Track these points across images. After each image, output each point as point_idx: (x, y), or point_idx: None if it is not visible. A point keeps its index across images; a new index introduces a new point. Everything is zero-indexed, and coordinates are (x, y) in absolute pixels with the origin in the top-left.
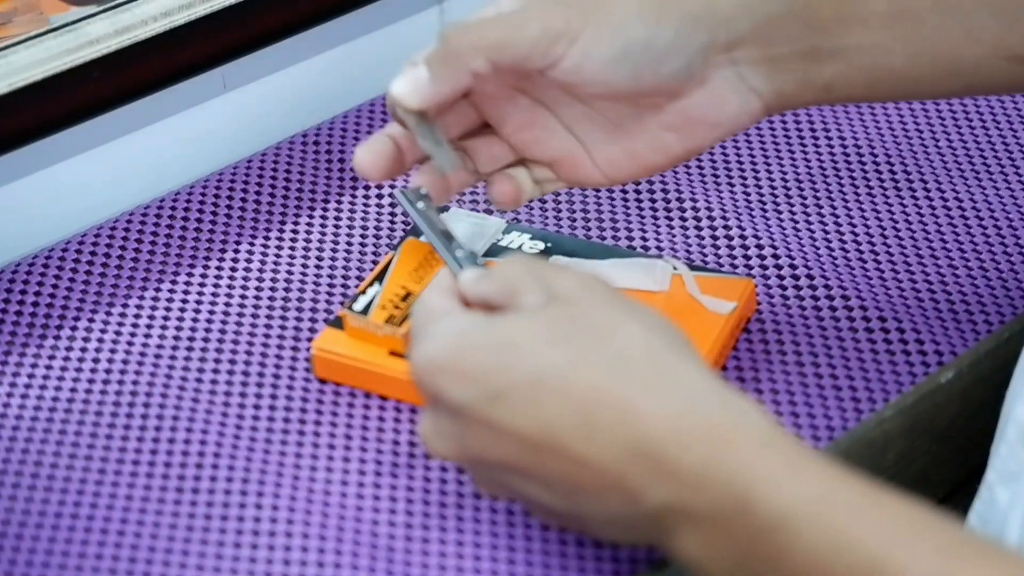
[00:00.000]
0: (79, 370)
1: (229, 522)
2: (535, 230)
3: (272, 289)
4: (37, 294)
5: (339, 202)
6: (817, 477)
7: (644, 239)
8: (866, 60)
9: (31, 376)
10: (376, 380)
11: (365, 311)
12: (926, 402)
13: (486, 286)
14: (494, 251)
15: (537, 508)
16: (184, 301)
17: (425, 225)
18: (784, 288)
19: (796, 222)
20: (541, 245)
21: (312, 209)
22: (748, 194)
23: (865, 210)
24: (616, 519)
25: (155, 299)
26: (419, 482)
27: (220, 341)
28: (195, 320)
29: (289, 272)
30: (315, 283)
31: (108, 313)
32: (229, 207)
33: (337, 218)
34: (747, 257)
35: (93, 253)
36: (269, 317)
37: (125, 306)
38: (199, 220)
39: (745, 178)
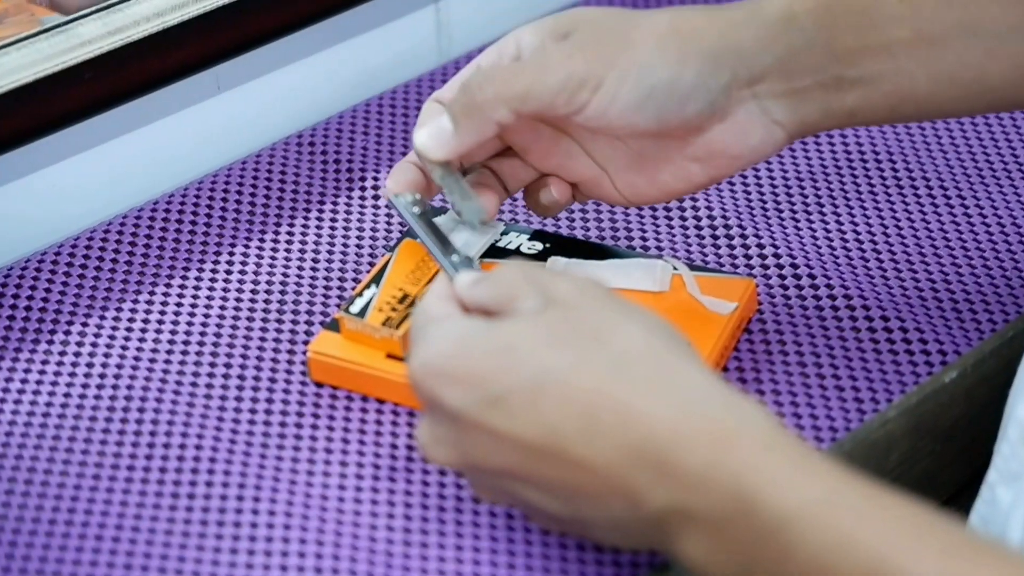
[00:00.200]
0: (73, 375)
1: (225, 528)
2: (534, 230)
3: (268, 292)
4: (30, 298)
5: (335, 203)
6: (821, 478)
7: (644, 239)
8: (889, 86)
9: (24, 381)
10: (373, 383)
11: (362, 313)
12: (930, 402)
13: (482, 292)
14: (493, 252)
15: (538, 514)
16: (179, 304)
17: (420, 230)
18: (785, 288)
19: (797, 221)
20: (540, 245)
21: (307, 211)
22: (749, 193)
23: (867, 208)
24: (619, 523)
25: (149, 302)
26: (417, 486)
27: (215, 345)
28: (190, 324)
29: (285, 274)
30: (311, 285)
31: (102, 317)
32: (224, 209)
33: (333, 219)
34: (748, 257)
35: (87, 256)
36: (265, 320)
37: (119, 310)
38: (193, 222)
39: (745, 177)
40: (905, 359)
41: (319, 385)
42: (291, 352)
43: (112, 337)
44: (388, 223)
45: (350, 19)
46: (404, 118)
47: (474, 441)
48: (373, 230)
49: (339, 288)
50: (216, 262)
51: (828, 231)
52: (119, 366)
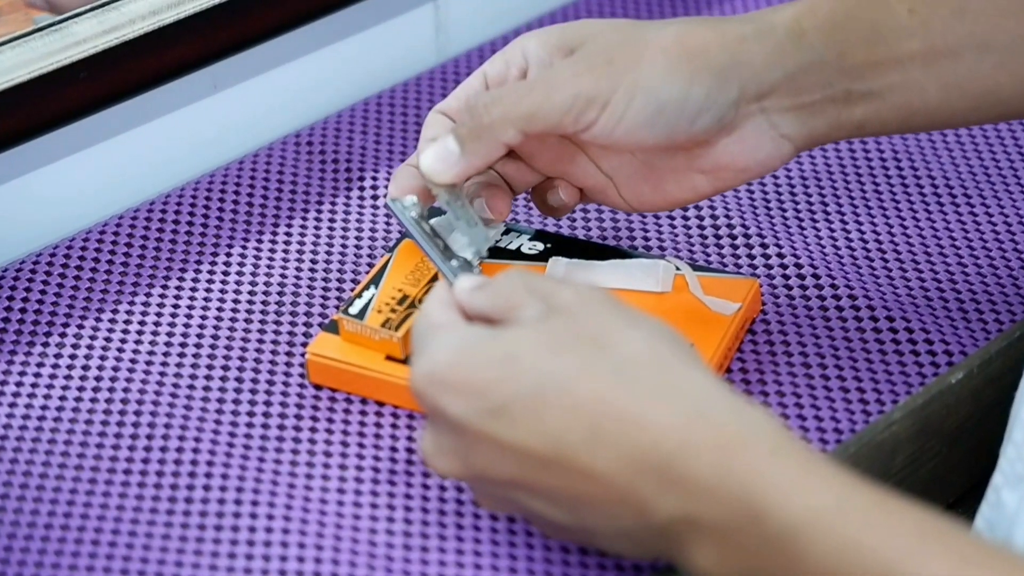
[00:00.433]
0: (69, 377)
1: (223, 532)
2: (535, 230)
3: (265, 293)
4: (25, 300)
5: (333, 203)
6: (828, 485)
7: (646, 239)
8: (899, 99)
9: (19, 384)
10: (372, 385)
11: (361, 315)
12: (936, 404)
13: (483, 301)
14: (495, 252)
15: (543, 523)
16: (175, 306)
17: (418, 234)
18: (790, 288)
19: (801, 220)
20: (541, 245)
21: (305, 211)
22: (752, 192)
23: (872, 207)
24: (625, 532)
25: (145, 304)
26: (417, 490)
27: (212, 347)
28: (187, 326)
29: (282, 275)
30: (309, 287)
31: (98, 319)
32: (221, 209)
33: (331, 220)
34: (751, 256)
35: (82, 258)
36: (262, 322)
37: (115, 311)
38: (190, 223)
39: None
40: (911, 360)
41: (317, 387)
42: (289, 354)
43: (108, 339)
44: (387, 223)
45: (348, 17)
46: (403, 117)
47: (477, 451)
48: (372, 230)
49: (337, 289)
50: (213, 263)
51: (832, 230)
52: (115, 368)
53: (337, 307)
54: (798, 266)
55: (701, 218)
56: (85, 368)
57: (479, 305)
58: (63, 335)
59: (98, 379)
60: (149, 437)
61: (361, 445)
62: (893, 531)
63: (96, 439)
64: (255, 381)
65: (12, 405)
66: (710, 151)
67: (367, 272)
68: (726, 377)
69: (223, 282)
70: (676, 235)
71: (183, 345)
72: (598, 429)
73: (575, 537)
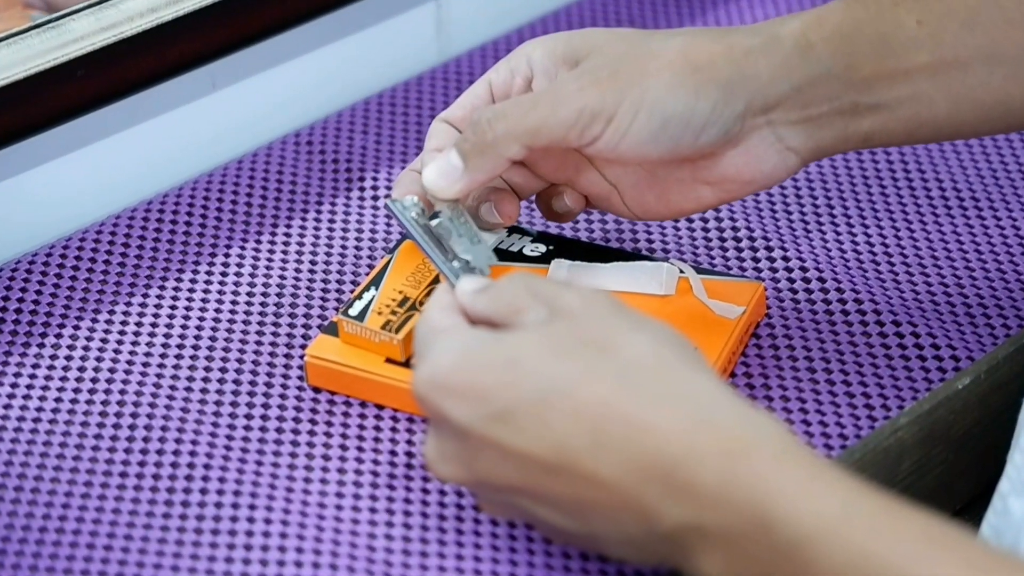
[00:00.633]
0: (64, 379)
1: (220, 536)
2: (537, 232)
3: (264, 294)
4: (20, 300)
5: (333, 204)
6: (835, 491)
7: (649, 241)
8: (907, 111)
9: (14, 386)
10: (372, 388)
11: (361, 316)
12: (942, 409)
13: (486, 305)
14: (496, 254)
15: (547, 529)
16: (173, 307)
17: (419, 236)
18: (795, 291)
19: (807, 223)
20: (543, 248)
21: (305, 211)
22: (757, 195)
23: (878, 210)
24: (631, 539)
25: (143, 305)
26: (417, 494)
27: (210, 348)
28: (184, 327)
29: (281, 277)
30: (308, 288)
31: (94, 320)
32: (219, 209)
33: (331, 220)
34: (756, 259)
35: (78, 258)
36: (261, 323)
37: (112, 312)
38: (188, 223)
39: None
40: (917, 365)
41: (316, 390)
42: (287, 356)
43: (104, 341)
44: (387, 225)
45: (349, 16)
46: (404, 117)
47: (481, 457)
48: (372, 231)
49: (337, 291)
50: (211, 264)
51: (838, 233)
52: (112, 370)
53: (336, 309)
54: (803, 269)
55: (705, 220)
56: (81, 370)
57: (481, 308)
58: (59, 336)
59: (94, 381)
60: (146, 440)
61: (360, 448)
62: (900, 537)
63: (92, 441)
64: (253, 383)
65: (7, 407)
66: (715, 163)
67: (367, 274)
68: (730, 382)
69: (221, 283)
70: (680, 237)
71: (180, 347)
72: (602, 434)
73: (580, 543)
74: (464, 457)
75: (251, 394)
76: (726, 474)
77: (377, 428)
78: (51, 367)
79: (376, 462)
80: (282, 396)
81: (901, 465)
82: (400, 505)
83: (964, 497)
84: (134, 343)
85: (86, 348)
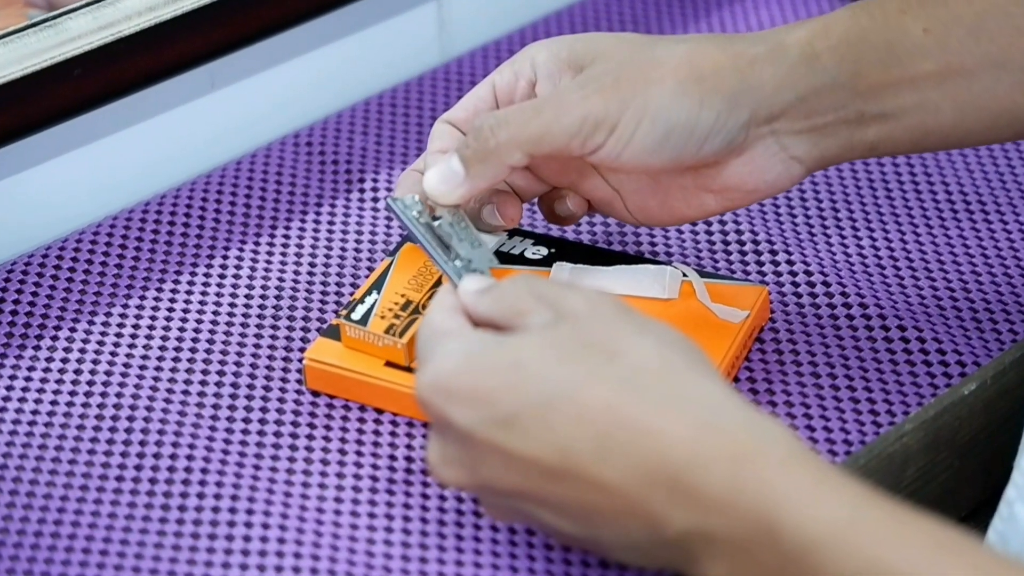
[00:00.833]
0: (60, 382)
1: (217, 542)
2: (538, 235)
3: (262, 297)
4: (16, 302)
5: (332, 205)
6: (844, 499)
7: (652, 244)
8: (913, 120)
9: (9, 388)
10: (372, 392)
11: (363, 320)
12: (948, 415)
13: (490, 307)
14: (498, 257)
15: (552, 533)
16: (170, 309)
17: (421, 236)
18: (799, 295)
19: (811, 226)
20: (545, 251)
21: (304, 213)
22: None
23: (883, 214)
24: (637, 545)
25: (140, 307)
26: (417, 499)
27: (208, 351)
28: (182, 329)
29: (280, 279)
30: (307, 290)
31: (91, 322)
32: (217, 211)
33: (330, 222)
34: (760, 263)
35: (75, 259)
36: (259, 326)
37: (109, 314)
38: (186, 224)
39: None
40: (922, 370)
41: (315, 394)
42: (286, 360)
43: (101, 343)
44: (388, 227)
45: (349, 15)
46: (404, 117)
47: (485, 461)
48: (372, 233)
49: (336, 293)
50: (209, 266)
51: (843, 236)
52: (108, 373)
53: (336, 312)
54: (808, 273)
55: (708, 223)
56: (77, 373)
57: (485, 310)
58: (55, 338)
59: (90, 384)
60: (143, 444)
61: (359, 453)
62: (908, 543)
63: (88, 445)
64: (251, 387)
65: (2, 410)
66: (719, 171)
67: (367, 276)
68: (733, 386)
69: (219, 285)
70: (683, 240)
71: (178, 350)
72: (607, 439)
73: (584, 546)
74: (467, 461)
75: (249, 398)
76: (732, 480)
77: (376, 432)
78: (47, 370)
79: (375, 467)
80: (280, 400)
81: (906, 471)
82: (399, 511)
83: (970, 503)
84: (131, 346)
85: (83, 351)
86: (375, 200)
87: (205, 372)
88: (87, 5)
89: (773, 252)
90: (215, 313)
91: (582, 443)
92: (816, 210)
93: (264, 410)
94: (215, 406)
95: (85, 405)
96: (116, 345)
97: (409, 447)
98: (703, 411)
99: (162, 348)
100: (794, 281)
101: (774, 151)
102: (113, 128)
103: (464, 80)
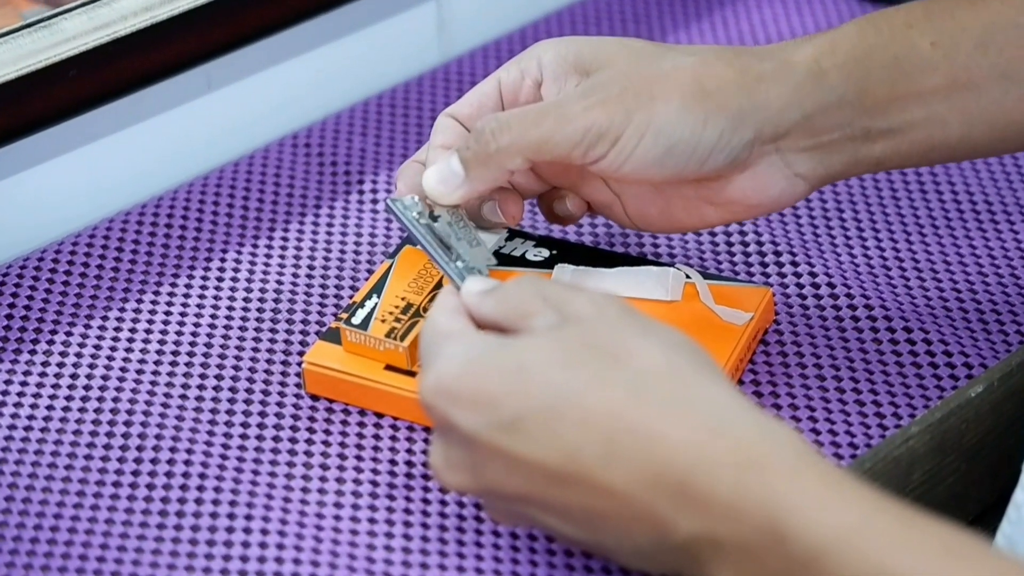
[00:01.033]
0: (56, 387)
1: (216, 548)
2: (540, 236)
3: (261, 300)
4: (11, 306)
5: (331, 207)
6: (852, 504)
7: (655, 245)
8: (920, 134)
9: (5, 393)
10: (372, 396)
11: (364, 324)
12: (954, 418)
13: (492, 307)
14: (499, 259)
15: (558, 537)
16: (167, 313)
17: (421, 237)
18: (803, 297)
19: (816, 227)
20: (546, 252)
21: (303, 215)
22: None
23: (889, 214)
24: (643, 550)
25: (137, 311)
26: (417, 505)
27: (205, 355)
28: (179, 333)
29: (279, 282)
30: (306, 293)
31: (87, 326)
32: (215, 213)
33: (329, 224)
34: (764, 264)
35: (71, 262)
36: (257, 330)
37: (106, 318)
38: (183, 227)
39: None
40: (928, 372)
41: (314, 398)
42: (285, 363)
43: (97, 347)
44: (387, 229)
45: (348, 15)
46: (404, 118)
47: (489, 466)
48: (371, 236)
49: (335, 296)
50: (207, 268)
51: (848, 237)
52: (104, 377)
53: (335, 315)
54: (812, 274)
55: None
56: (73, 377)
57: (488, 311)
58: (51, 343)
59: (87, 388)
60: (140, 449)
61: (359, 458)
62: (917, 549)
63: (84, 450)
64: (250, 391)
65: None
66: (722, 186)
67: (366, 279)
68: (740, 390)
69: (217, 288)
70: (686, 242)
71: (175, 353)
72: (613, 444)
73: (589, 550)
74: (471, 465)
75: (248, 402)
76: (740, 485)
77: (376, 436)
78: (43, 374)
79: (376, 472)
80: (279, 404)
81: (912, 475)
82: (400, 516)
83: (977, 507)
84: (128, 350)
85: (79, 356)
86: (375, 202)
87: (203, 377)
88: (83, 5)
89: (777, 253)
90: (213, 316)
91: (588, 447)
92: (820, 210)
93: (263, 415)
94: (213, 411)
95: (82, 411)
96: (113, 349)
97: (409, 451)
98: (710, 415)
99: (160, 352)
100: (798, 282)
101: (778, 168)
102: (109, 130)
103: (464, 80)
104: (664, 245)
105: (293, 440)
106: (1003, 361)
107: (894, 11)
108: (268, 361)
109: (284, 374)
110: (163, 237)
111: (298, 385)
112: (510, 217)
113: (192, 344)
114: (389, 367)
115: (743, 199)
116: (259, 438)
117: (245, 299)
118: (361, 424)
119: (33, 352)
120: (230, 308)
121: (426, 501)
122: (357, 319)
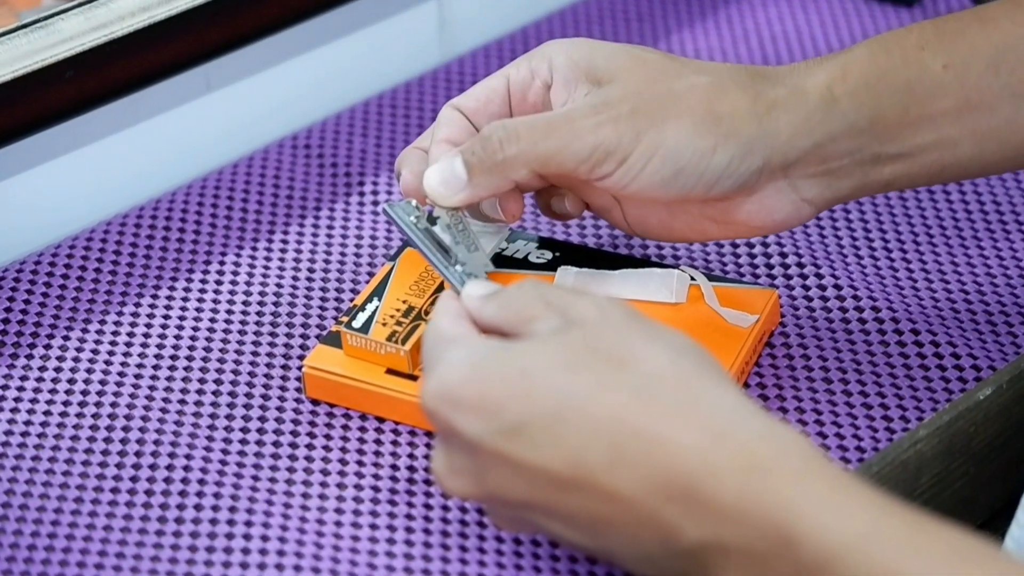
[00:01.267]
0: (53, 391)
1: (216, 554)
2: (542, 238)
3: (260, 303)
4: (8, 310)
5: (331, 209)
6: (861, 509)
7: (659, 247)
8: (931, 156)
9: (2, 398)
10: (373, 400)
11: (365, 328)
12: (963, 421)
13: (495, 312)
14: (501, 260)
15: (562, 543)
16: (166, 316)
17: (420, 242)
18: (810, 299)
19: (822, 228)
20: (549, 254)
21: (303, 216)
22: None
23: (896, 214)
24: (649, 556)
25: (135, 314)
26: (419, 510)
27: (205, 360)
28: (178, 336)
29: (278, 285)
30: (306, 296)
31: (85, 329)
32: (214, 215)
33: (329, 226)
34: (770, 266)
35: (68, 265)
36: (257, 333)
37: (103, 322)
38: (182, 229)
39: None
40: (936, 375)
41: (315, 402)
42: (285, 367)
43: (96, 351)
44: (388, 231)
45: (348, 14)
46: (404, 119)
47: (493, 472)
48: (372, 238)
49: (336, 299)
50: (206, 271)
51: (855, 238)
52: (103, 382)
53: (335, 318)
54: (818, 276)
55: None
56: (71, 381)
57: (490, 316)
58: (48, 346)
59: (84, 393)
60: (138, 454)
61: (360, 463)
62: (927, 554)
63: (82, 456)
64: (249, 395)
65: None
66: (727, 207)
67: (367, 282)
68: (747, 393)
69: (216, 291)
70: (691, 243)
71: (174, 357)
72: (619, 449)
73: (594, 556)
74: (474, 471)
75: (247, 406)
76: (746, 491)
77: (378, 441)
78: (40, 379)
79: (377, 476)
80: (279, 408)
81: (920, 479)
82: (401, 522)
83: (986, 511)
84: (126, 354)
85: (76, 359)
86: (375, 203)
87: (202, 381)
88: (79, 5)
89: (783, 255)
90: (212, 320)
91: (592, 453)
92: (827, 212)
93: (263, 420)
94: (212, 415)
95: (80, 415)
96: (111, 353)
97: (411, 457)
98: (716, 419)
99: (159, 356)
100: (804, 284)
101: (785, 193)
102: (107, 131)
103: (465, 80)
104: (668, 247)
105: (293, 445)
106: (1012, 363)
107: (906, 31)
108: (268, 365)
109: (284, 378)
110: (162, 240)
111: (298, 389)
112: (510, 215)
113: (191, 348)
114: (390, 371)
115: (747, 221)
116: (259, 443)
117: (245, 302)
118: (362, 429)
119: (31, 356)
120: (229, 311)
121: (428, 507)
122: (358, 322)
